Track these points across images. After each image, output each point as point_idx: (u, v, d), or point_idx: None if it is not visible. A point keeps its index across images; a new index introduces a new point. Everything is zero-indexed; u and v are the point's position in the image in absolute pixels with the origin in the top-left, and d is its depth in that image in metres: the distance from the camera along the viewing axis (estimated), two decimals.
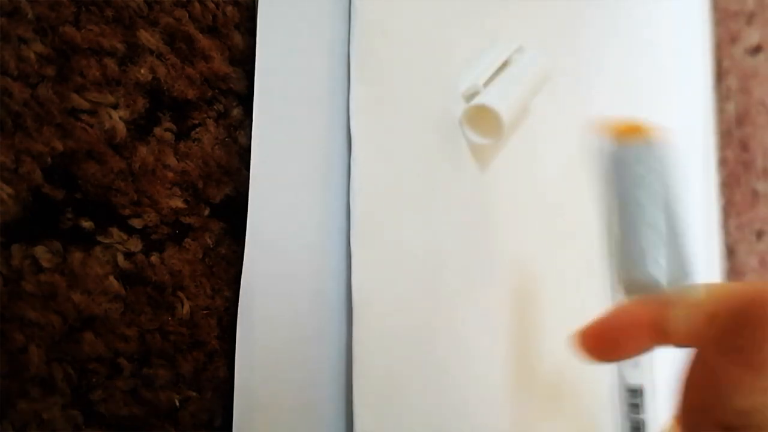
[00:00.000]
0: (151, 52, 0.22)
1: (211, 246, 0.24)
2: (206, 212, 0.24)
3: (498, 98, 0.29)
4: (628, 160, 0.24)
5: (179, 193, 0.23)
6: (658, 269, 0.23)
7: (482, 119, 0.30)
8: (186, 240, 0.23)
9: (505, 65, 0.32)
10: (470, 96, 0.30)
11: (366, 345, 0.25)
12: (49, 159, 0.20)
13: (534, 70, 0.33)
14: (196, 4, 0.24)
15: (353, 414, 0.24)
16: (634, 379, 0.41)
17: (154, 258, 0.22)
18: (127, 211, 0.22)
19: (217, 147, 0.24)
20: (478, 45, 0.31)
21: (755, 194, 0.60)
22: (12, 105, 0.19)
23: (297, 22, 0.25)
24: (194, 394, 0.23)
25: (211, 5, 0.24)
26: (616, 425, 0.40)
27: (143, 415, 0.22)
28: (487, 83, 0.30)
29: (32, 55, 0.20)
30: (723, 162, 0.58)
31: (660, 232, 0.23)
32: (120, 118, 0.21)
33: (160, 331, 0.22)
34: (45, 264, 0.20)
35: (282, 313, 0.24)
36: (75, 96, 0.21)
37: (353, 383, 0.25)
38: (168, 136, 0.23)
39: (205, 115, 0.24)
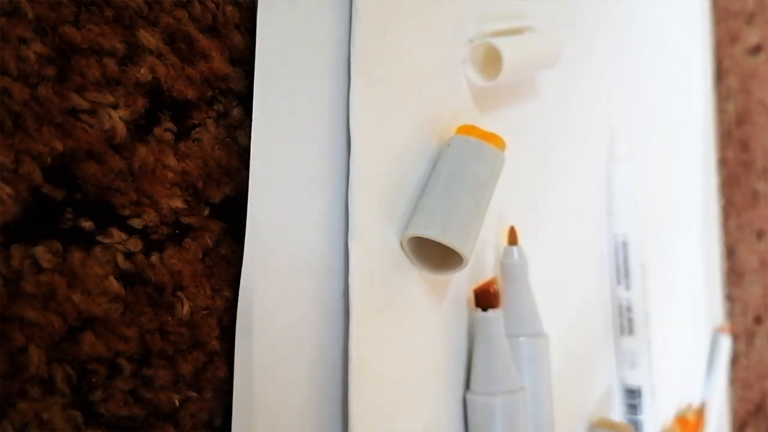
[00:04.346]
0: (151, 52, 0.22)
1: (211, 246, 0.24)
2: (206, 212, 0.24)
3: (503, 42, 0.30)
4: (461, 147, 0.28)
5: (179, 193, 0.23)
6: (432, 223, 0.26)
7: (485, 65, 0.31)
8: (186, 240, 0.23)
9: (515, 32, 0.32)
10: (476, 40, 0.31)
11: (362, 345, 0.25)
12: (49, 159, 0.20)
13: (545, 42, 0.33)
14: (196, 4, 0.24)
15: (348, 415, 0.24)
16: (632, 380, 0.41)
17: (154, 258, 0.22)
18: (127, 211, 0.22)
19: (217, 147, 0.24)
20: None
21: (755, 194, 0.60)
22: (12, 105, 0.19)
23: (297, 22, 0.25)
24: (194, 394, 0.23)
25: (211, 5, 0.24)
26: None
27: (143, 416, 0.22)
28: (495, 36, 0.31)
29: (32, 55, 0.20)
30: (723, 162, 0.58)
31: (454, 202, 0.27)
32: (120, 118, 0.22)
33: (160, 331, 0.22)
34: (45, 264, 0.20)
35: (282, 313, 0.24)
36: (75, 96, 0.21)
37: (348, 384, 0.25)
38: (168, 136, 0.23)
39: (205, 115, 0.24)
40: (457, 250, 0.26)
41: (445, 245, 0.26)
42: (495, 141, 0.29)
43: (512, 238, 0.32)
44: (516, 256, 0.32)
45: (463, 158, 0.28)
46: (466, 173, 0.27)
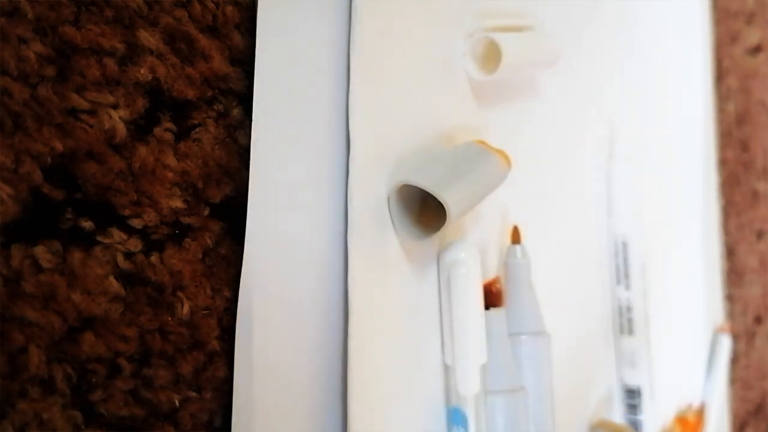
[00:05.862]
0: (151, 52, 0.22)
1: (211, 246, 0.24)
2: (206, 212, 0.24)
3: (503, 36, 0.30)
4: (470, 145, 0.29)
5: (179, 193, 0.23)
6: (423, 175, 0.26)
7: (485, 62, 0.31)
8: (186, 240, 0.23)
9: (515, 29, 0.32)
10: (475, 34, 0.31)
11: (362, 345, 0.25)
12: (49, 159, 0.20)
13: (544, 41, 0.33)
14: (196, 4, 0.24)
15: (348, 415, 0.24)
16: (632, 380, 0.41)
17: (154, 258, 0.22)
18: (127, 211, 0.22)
19: (217, 147, 0.24)
20: None
21: (755, 194, 0.60)
22: (12, 105, 0.19)
23: (297, 22, 0.25)
24: (194, 394, 0.23)
25: (211, 5, 0.24)
26: None
27: (143, 416, 0.22)
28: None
29: (32, 55, 0.20)
30: (723, 162, 0.58)
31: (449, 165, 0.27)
32: (120, 118, 0.22)
33: (160, 331, 0.22)
34: (45, 264, 0.20)
35: (281, 313, 0.24)
36: (75, 96, 0.21)
37: (348, 384, 0.25)
38: (168, 136, 0.23)
39: (205, 115, 0.24)
40: (440, 198, 0.25)
41: (437, 215, 0.26)
42: (503, 156, 0.29)
43: (515, 237, 0.32)
44: (519, 254, 0.32)
45: (470, 148, 0.28)
46: (471, 157, 0.28)
